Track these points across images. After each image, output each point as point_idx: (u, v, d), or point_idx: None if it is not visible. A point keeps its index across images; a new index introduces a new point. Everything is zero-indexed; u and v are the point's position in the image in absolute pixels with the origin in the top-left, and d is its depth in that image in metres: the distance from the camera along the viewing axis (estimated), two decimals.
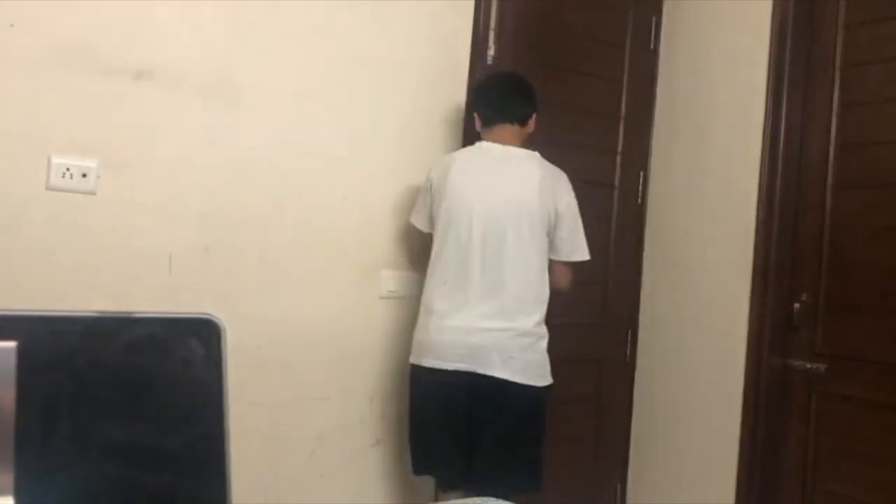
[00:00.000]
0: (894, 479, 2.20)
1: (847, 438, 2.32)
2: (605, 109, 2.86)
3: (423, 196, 2.28)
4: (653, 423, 2.84)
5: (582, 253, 2.26)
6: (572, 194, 2.25)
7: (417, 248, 2.47)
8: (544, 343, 2.17)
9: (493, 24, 2.54)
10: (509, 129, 2.24)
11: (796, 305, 2.47)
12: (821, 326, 2.43)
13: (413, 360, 2.18)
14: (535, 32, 2.67)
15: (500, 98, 2.28)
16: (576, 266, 2.28)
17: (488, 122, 2.26)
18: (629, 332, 2.92)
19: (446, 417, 2.14)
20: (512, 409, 2.12)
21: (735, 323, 2.54)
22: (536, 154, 2.24)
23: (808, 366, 2.42)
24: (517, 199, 2.15)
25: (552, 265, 2.23)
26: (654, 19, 2.93)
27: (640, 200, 2.92)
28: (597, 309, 2.85)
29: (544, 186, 2.18)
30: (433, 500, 2.34)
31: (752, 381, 2.49)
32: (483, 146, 2.24)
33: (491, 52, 2.54)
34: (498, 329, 2.10)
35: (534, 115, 2.28)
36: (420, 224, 2.30)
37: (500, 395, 2.10)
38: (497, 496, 1.97)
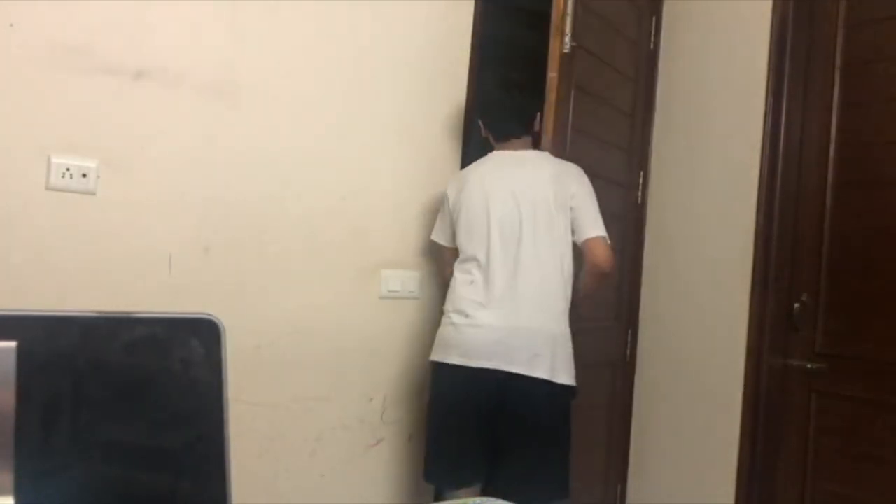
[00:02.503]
0: (894, 479, 2.20)
1: (847, 438, 2.32)
2: None
3: (442, 214, 2.34)
4: (653, 422, 2.84)
5: (599, 228, 2.21)
6: (585, 179, 2.25)
7: (417, 248, 2.47)
8: (568, 341, 2.17)
9: (569, 9, 2.37)
10: (516, 141, 2.30)
11: (796, 305, 2.47)
12: (821, 326, 2.43)
13: (436, 357, 2.17)
14: None
15: (501, 120, 2.32)
16: (606, 243, 2.20)
17: (496, 140, 2.33)
18: (629, 331, 2.92)
19: (467, 415, 2.13)
20: (540, 408, 2.12)
21: (735, 323, 2.54)
22: (547, 153, 2.29)
23: (808, 366, 2.42)
24: (532, 198, 2.19)
25: (584, 250, 2.20)
26: (653, 19, 2.93)
27: (640, 200, 2.92)
28: (597, 309, 2.84)
29: (557, 178, 2.21)
30: (434, 500, 2.34)
31: (752, 381, 2.49)
32: (494, 156, 2.30)
33: (567, 39, 2.36)
34: (523, 327, 2.11)
35: (537, 116, 2.31)
36: (442, 240, 2.34)
37: (528, 394, 2.09)
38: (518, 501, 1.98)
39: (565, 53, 2.31)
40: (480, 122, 2.38)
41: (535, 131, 2.32)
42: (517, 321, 2.11)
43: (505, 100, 2.33)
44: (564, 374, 2.13)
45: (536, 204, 2.18)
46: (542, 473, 2.12)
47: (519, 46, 4.11)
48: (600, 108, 2.63)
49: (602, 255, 2.18)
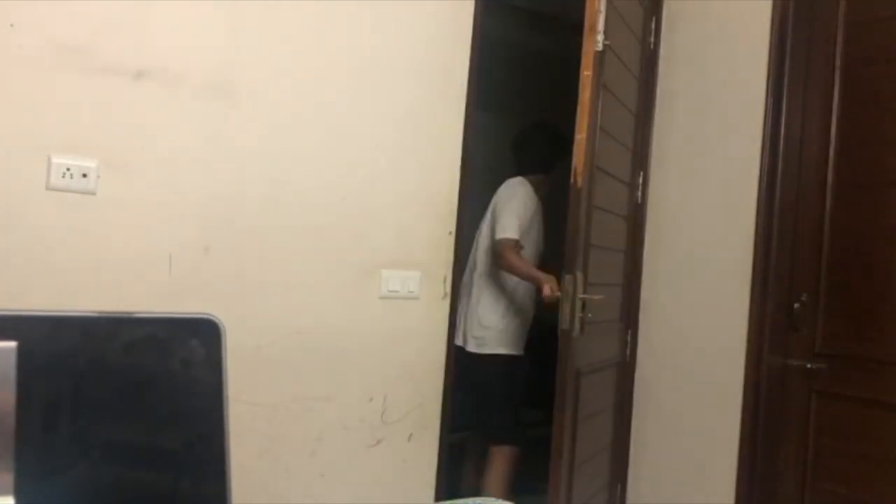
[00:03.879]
0: (894, 478, 2.20)
1: (847, 438, 2.32)
2: None
3: None
4: (653, 422, 2.84)
5: (501, 231, 2.99)
6: (512, 191, 3.07)
7: (417, 248, 2.47)
8: (496, 326, 3.06)
9: (602, 6, 2.36)
10: (538, 177, 3.20)
11: (796, 305, 2.47)
12: (821, 326, 2.43)
13: None
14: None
15: (526, 163, 3.23)
16: (503, 243, 2.97)
17: (517, 172, 3.22)
18: (629, 331, 2.92)
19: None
20: (477, 374, 3.04)
21: (735, 322, 2.54)
22: (520, 178, 3.15)
23: (808, 365, 2.42)
24: (488, 215, 3.14)
25: None
26: (654, 19, 2.93)
27: (640, 200, 2.92)
28: (608, 311, 2.83)
29: (497, 194, 3.12)
30: (434, 500, 2.34)
31: (752, 381, 2.49)
32: None
33: (600, 37, 2.33)
34: (470, 325, 3.10)
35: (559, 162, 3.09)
36: None
37: (471, 363, 3.02)
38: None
39: (598, 52, 2.28)
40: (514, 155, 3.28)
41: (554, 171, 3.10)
42: (469, 321, 3.08)
43: (533, 145, 3.20)
44: (489, 347, 3.03)
45: (484, 229, 3.13)
46: (485, 420, 3.14)
47: (518, 47, 4.11)
48: (618, 109, 2.63)
49: (498, 254, 3.00)
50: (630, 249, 2.90)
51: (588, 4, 2.30)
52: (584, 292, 2.31)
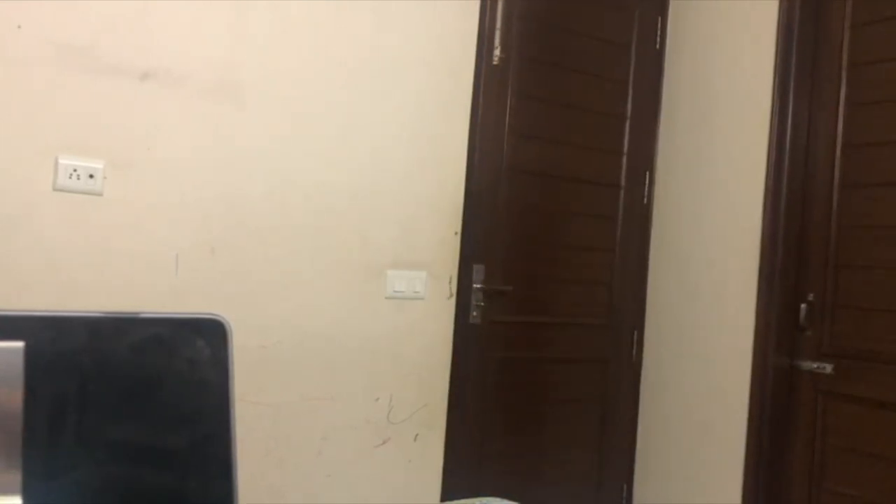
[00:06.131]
0: None
1: (853, 438, 2.31)
2: (611, 110, 2.86)
3: None
4: (659, 423, 2.83)
5: None
6: None
7: (422, 249, 2.47)
8: None
9: (498, 24, 2.54)
10: None
11: (803, 305, 2.46)
12: (827, 327, 2.42)
13: None
14: (540, 32, 2.67)
15: None
16: None
17: None
18: (635, 332, 2.92)
19: None
20: None
21: (741, 323, 2.53)
22: None
23: (815, 366, 2.41)
24: None
25: None
26: (659, 19, 2.93)
27: (645, 201, 2.92)
28: (603, 309, 2.85)
29: None
30: (440, 500, 2.34)
31: (759, 382, 2.48)
32: None
33: (497, 51, 2.54)
34: None
35: None
36: None
37: None
38: None
39: (494, 66, 2.56)
40: None
41: None
42: None
43: None
44: None
45: None
46: None
47: None
48: (572, 114, 2.77)
49: None
50: (635, 249, 2.90)
51: (481, 20, 2.52)
52: (483, 283, 2.53)
